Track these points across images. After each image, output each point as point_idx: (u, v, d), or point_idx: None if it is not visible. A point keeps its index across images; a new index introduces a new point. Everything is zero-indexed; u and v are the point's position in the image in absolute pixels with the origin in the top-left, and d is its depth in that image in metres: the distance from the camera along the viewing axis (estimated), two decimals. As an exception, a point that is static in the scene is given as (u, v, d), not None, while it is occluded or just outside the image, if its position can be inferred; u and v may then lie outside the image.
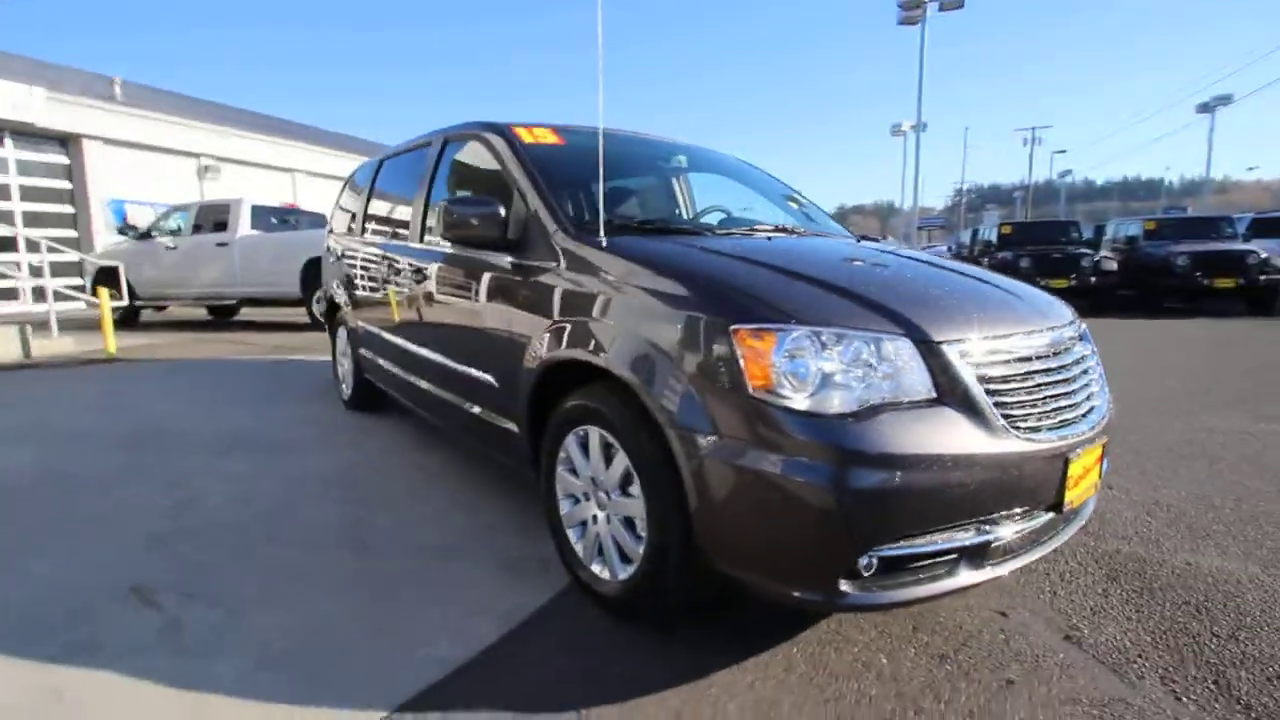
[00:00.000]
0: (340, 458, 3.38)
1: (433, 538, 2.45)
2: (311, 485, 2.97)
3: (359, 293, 3.83)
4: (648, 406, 1.65)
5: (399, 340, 3.21)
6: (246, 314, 11.16)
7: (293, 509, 2.70)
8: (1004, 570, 1.59)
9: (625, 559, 1.85)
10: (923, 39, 17.60)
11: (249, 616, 1.91)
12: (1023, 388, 1.60)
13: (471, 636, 1.81)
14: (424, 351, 2.91)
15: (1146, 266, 10.87)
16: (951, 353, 1.52)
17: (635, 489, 1.78)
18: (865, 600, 1.45)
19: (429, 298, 2.83)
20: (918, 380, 1.49)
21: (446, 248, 2.65)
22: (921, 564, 1.49)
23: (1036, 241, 12.17)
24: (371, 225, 3.77)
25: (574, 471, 2.02)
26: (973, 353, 1.55)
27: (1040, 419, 1.59)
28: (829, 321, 1.52)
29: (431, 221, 2.95)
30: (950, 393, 1.50)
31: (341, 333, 4.35)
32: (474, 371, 2.46)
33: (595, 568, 1.95)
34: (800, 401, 1.45)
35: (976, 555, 1.54)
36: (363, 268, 3.75)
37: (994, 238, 13.22)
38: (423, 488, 2.96)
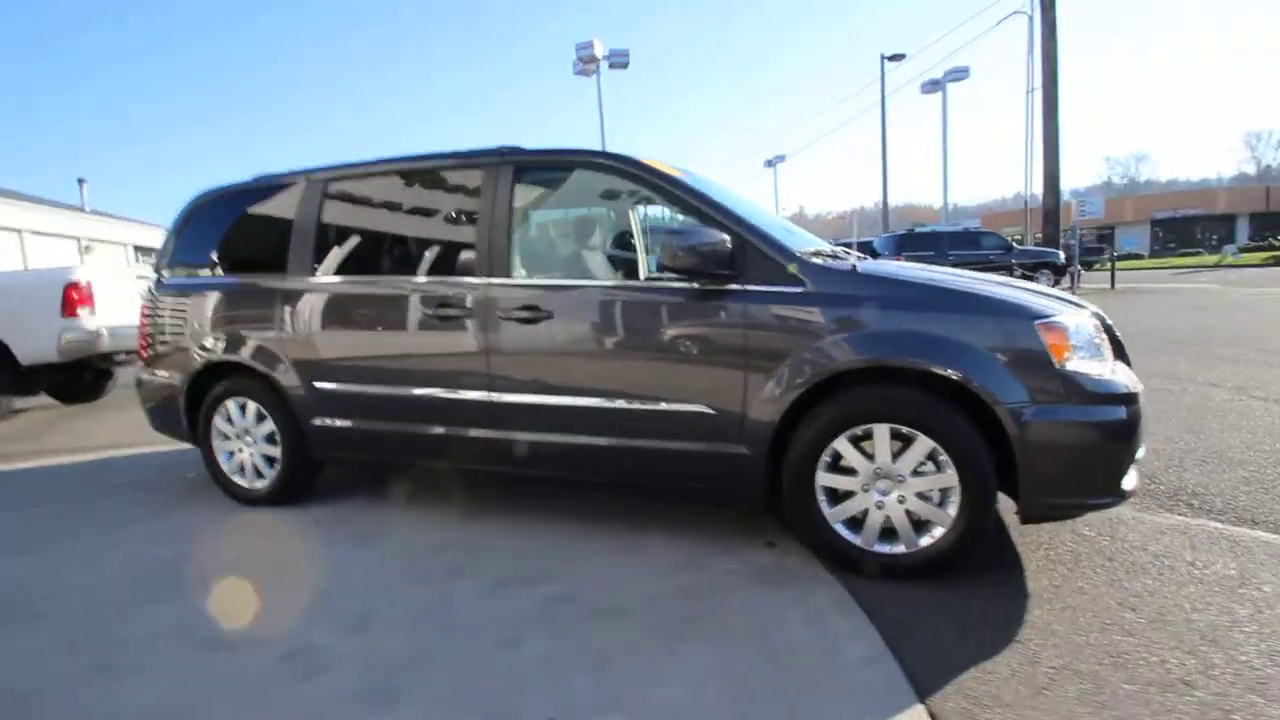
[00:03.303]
0: (391, 553, 2.72)
1: (653, 585, 2.34)
2: (413, 591, 2.41)
3: (323, 346, 3.07)
4: (973, 392, 2.08)
5: (461, 394, 2.77)
6: None
7: (445, 616, 2.21)
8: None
9: (920, 529, 2.22)
10: (599, 89, 20.20)
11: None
12: None
13: (856, 635, 1.96)
14: (537, 399, 2.63)
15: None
16: (1108, 323, 2.36)
17: (929, 466, 2.18)
18: (1130, 491, 2.16)
19: (558, 338, 2.61)
20: (1109, 344, 2.28)
21: (605, 281, 2.52)
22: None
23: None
24: (346, 262, 3.10)
25: (841, 470, 2.27)
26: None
27: None
28: (1069, 312, 2.20)
29: (521, 255, 2.69)
30: (1116, 352, 2.33)
31: (233, 409, 3.31)
32: (675, 406, 2.43)
33: (881, 548, 2.26)
34: (1085, 368, 2.10)
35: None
36: (340, 315, 3.06)
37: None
38: (558, 548, 2.66)
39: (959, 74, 23.70)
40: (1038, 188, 20.60)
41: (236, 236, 3.46)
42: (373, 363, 2.97)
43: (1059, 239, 19.70)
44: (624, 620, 2.11)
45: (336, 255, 3.11)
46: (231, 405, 3.35)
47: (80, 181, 25.91)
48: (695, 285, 2.40)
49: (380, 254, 3.10)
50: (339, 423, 3.06)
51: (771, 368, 2.30)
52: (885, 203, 27.01)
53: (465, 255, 2.78)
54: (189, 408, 3.48)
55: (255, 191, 3.44)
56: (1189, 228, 45.09)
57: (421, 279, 2.90)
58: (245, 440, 3.35)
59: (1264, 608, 2.00)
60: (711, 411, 2.40)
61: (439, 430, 2.86)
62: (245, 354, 3.23)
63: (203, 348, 3.36)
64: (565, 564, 2.53)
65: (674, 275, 2.38)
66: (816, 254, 2.46)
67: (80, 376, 7.11)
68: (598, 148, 2.64)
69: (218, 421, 3.39)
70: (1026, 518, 2.19)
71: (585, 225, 2.98)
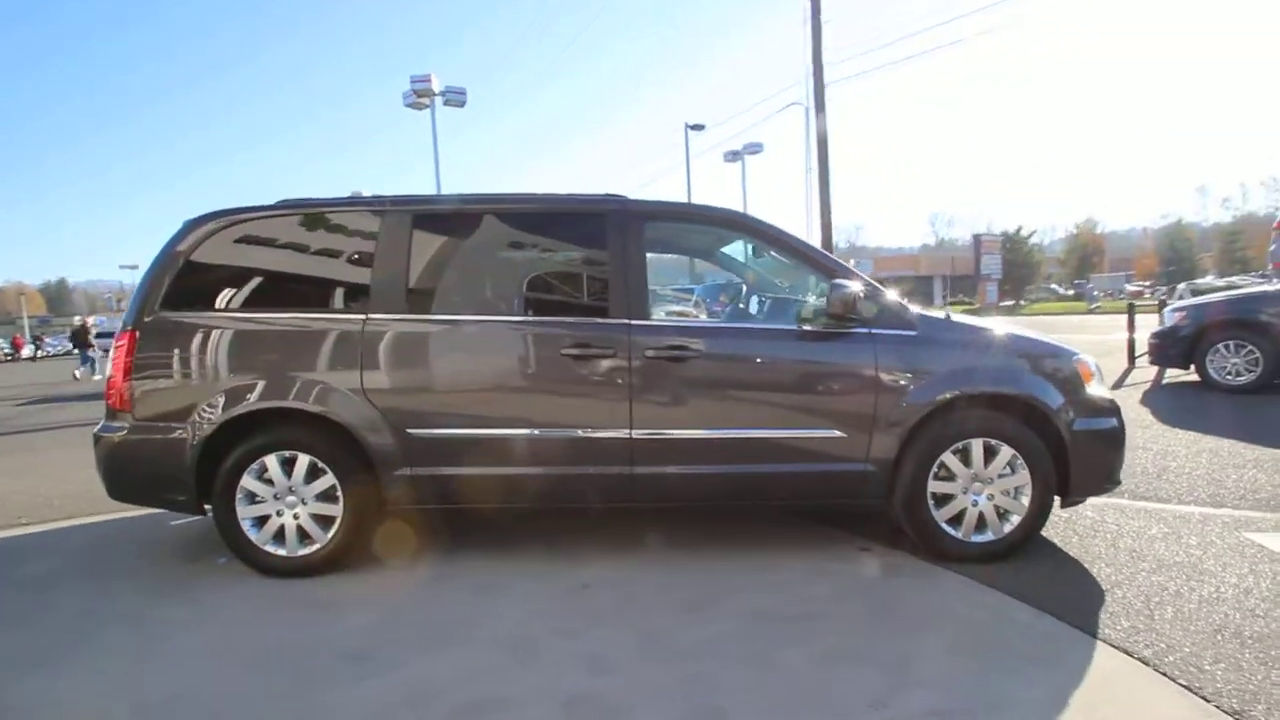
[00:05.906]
0: (533, 597, 2.66)
1: (814, 591, 2.67)
2: (608, 628, 2.44)
3: (425, 389, 2.93)
4: (1043, 411, 2.80)
5: (598, 433, 2.84)
6: None
7: (672, 643, 2.31)
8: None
9: (1004, 518, 2.87)
10: (434, 124, 19.77)
11: None
12: None
13: (1008, 604, 2.51)
14: (684, 433, 2.85)
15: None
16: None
17: (1008, 469, 2.85)
18: (1120, 480, 3.03)
19: (705, 376, 2.86)
20: None
21: (759, 324, 2.81)
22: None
23: None
24: (451, 299, 3.02)
25: (946, 478, 2.85)
26: None
27: None
28: (1082, 351, 3.07)
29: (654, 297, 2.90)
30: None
31: (273, 465, 2.89)
32: (812, 432, 2.80)
33: (978, 538, 2.86)
34: (1097, 390, 2.95)
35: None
36: (449, 356, 2.95)
37: None
38: (695, 574, 2.83)
39: (755, 148, 27.60)
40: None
41: (276, 268, 3.07)
42: (490, 406, 2.88)
43: (833, 292, 23.62)
44: (827, 621, 2.41)
45: (439, 292, 2.96)
46: (272, 461, 2.91)
47: None
48: (821, 327, 2.84)
49: (487, 291, 3.02)
50: (439, 471, 2.87)
51: (895, 396, 2.81)
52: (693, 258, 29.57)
53: (595, 296, 2.89)
54: (199, 467, 2.94)
55: (291, 219, 3.11)
56: (902, 286, 56.29)
57: (549, 319, 2.93)
58: (286, 501, 2.94)
59: (1204, 548, 2.96)
60: (844, 435, 2.83)
61: (566, 470, 2.87)
62: (307, 400, 2.87)
63: (233, 395, 2.89)
64: (718, 587, 2.73)
65: (824, 320, 2.81)
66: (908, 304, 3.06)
67: None
68: (718, 205, 2.98)
69: (247, 481, 2.91)
70: (1066, 503, 2.97)
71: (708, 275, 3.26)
